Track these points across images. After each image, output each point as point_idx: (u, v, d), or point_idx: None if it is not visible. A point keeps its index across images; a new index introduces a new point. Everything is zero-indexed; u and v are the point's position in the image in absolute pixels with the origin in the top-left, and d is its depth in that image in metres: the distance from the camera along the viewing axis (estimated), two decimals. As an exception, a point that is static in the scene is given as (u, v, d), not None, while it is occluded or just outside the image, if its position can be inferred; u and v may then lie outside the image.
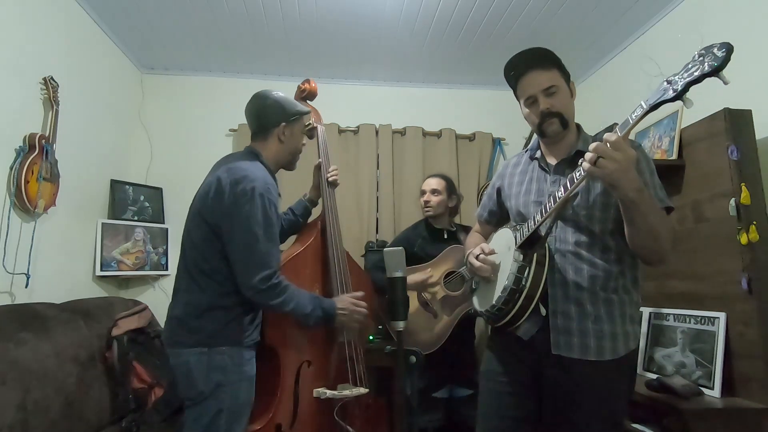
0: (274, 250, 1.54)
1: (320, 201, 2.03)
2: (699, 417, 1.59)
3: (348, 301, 1.72)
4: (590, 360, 1.27)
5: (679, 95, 1.01)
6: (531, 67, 1.36)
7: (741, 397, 1.70)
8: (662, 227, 1.22)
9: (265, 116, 1.70)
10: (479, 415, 1.46)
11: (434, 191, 2.53)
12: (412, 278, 2.29)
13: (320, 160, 2.02)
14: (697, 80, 1.00)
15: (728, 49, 0.97)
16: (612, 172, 1.09)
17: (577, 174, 1.17)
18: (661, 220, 1.23)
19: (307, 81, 2.08)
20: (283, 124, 1.69)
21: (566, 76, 1.39)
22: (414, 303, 2.33)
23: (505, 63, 1.41)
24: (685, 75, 1.01)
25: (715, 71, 0.97)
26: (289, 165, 1.78)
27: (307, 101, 2.08)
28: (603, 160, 1.08)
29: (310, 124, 1.83)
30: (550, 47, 1.39)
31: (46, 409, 1.72)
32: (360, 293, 1.79)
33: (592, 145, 1.10)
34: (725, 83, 0.98)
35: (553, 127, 1.36)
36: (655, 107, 1.06)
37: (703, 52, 1.00)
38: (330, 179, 2.01)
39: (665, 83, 1.05)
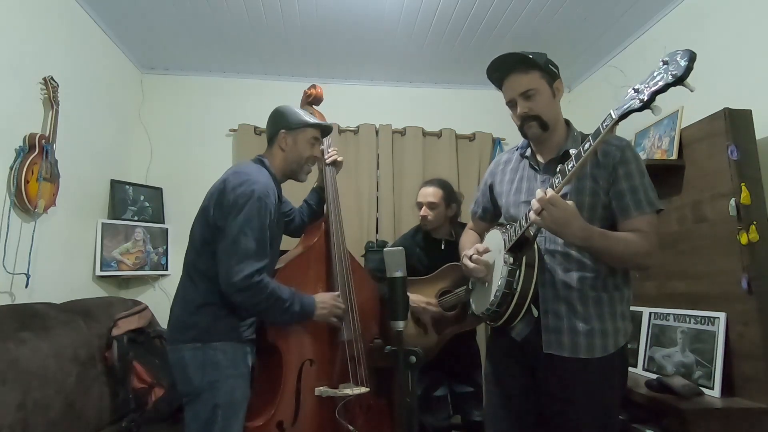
0: (260, 252, 1.54)
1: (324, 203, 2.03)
2: (699, 417, 1.59)
3: (328, 296, 1.76)
4: (581, 358, 1.29)
5: (647, 105, 1.01)
6: (509, 71, 1.38)
7: (741, 397, 1.70)
8: (626, 251, 1.26)
9: (271, 125, 1.77)
10: (486, 416, 1.49)
11: (431, 204, 2.34)
12: (414, 298, 2.20)
13: (322, 147, 2.00)
14: (662, 90, 0.99)
15: (690, 57, 0.95)
16: (550, 224, 1.17)
17: (557, 180, 1.18)
18: (624, 246, 1.26)
19: (313, 86, 2.09)
20: (283, 131, 1.73)
21: (549, 76, 1.37)
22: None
23: (486, 68, 1.41)
24: (651, 84, 1.00)
25: (679, 81, 0.96)
26: (295, 175, 1.80)
27: (313, 106, 2.08)
28: (545, 212, 1.15)
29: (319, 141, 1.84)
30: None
31: (46, 409, 1.72)
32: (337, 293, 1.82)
33: (535, 198, 1.17)
34: (691, 91, 0.96)
35: (533, 129, 1.39)
36: (624, 116, 1.06)
37: (667, 59, 0.99)
38: (328, 161, 2.03)
39: (632, 92, 1.05)
